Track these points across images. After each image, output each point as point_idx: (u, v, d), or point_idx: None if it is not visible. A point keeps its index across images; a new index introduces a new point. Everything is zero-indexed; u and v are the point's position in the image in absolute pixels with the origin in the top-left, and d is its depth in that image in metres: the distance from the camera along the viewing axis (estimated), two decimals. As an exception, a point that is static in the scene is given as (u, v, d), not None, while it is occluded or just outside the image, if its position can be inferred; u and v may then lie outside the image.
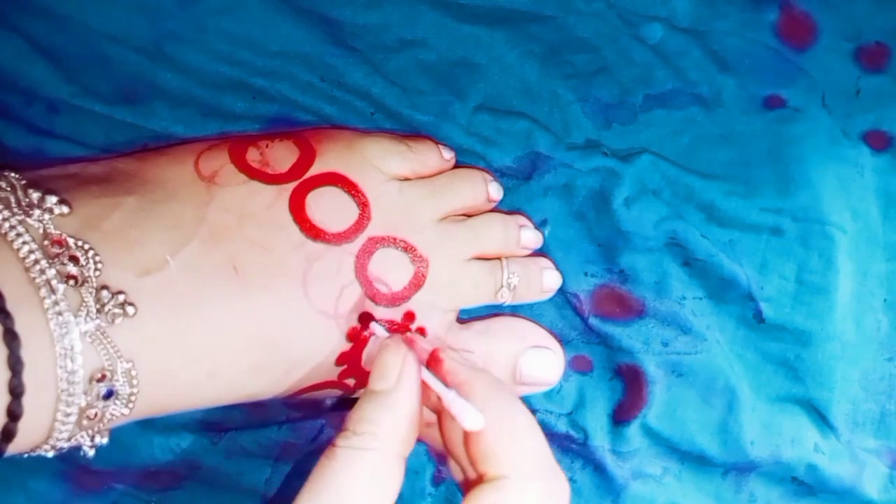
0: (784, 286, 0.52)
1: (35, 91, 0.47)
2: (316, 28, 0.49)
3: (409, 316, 0.44)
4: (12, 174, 0.38)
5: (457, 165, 0.50)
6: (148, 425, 0.47)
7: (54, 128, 0.47)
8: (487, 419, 0.37)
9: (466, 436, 0.37)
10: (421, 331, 0.44)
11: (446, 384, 0.39)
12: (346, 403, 0.49)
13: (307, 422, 0.50)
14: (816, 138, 0.52)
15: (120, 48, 0.47)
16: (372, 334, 0.43)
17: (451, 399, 0.37)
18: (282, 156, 0.44)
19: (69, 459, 0.46)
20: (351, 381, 0.44)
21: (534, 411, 0.51)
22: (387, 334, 0.42)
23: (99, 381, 0.35)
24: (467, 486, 0.39)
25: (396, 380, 0.38)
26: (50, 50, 0.47)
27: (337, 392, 0.45)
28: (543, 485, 0.36)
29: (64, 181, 0.40)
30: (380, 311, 0.43)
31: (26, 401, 0.34)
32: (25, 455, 0.37)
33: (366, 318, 0.43)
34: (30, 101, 0.47)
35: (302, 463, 0.49)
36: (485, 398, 0.37)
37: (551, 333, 0.50)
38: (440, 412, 0.41)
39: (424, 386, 0.39)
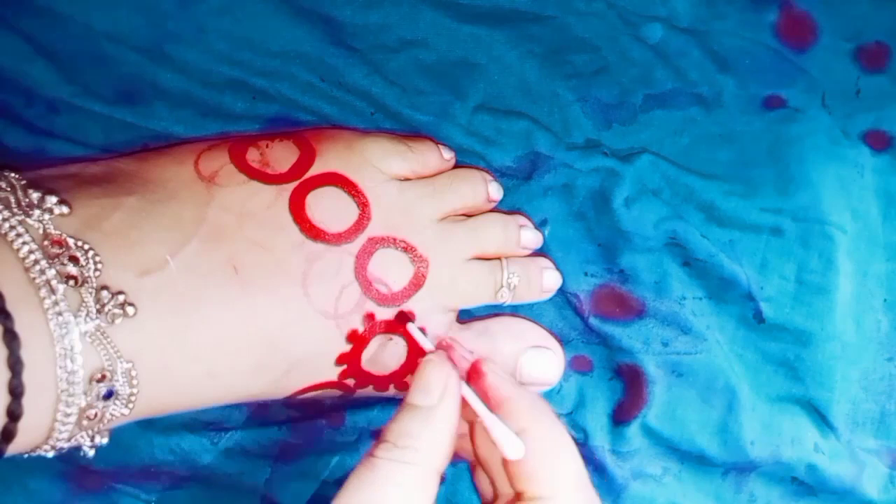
0: (784, 286, 0.52)
1: (35, 91, 0.47)
2: (316, 28, 0.49)
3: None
4: (12, 174, 0.38)
5: (457, 165, 0.50)
6: (148, 425, 0.47)
7: (54, 128, 0.47)
8: (530, 440, 0.37)
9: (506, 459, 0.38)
10: (421, 330, 0.44)
11: (487, 400, 0.39)
12: (346, 403, 0.49)
13: (307, 422, 0.50)
14: (816, 138, 0.52)
15: (120, 48, 0.47)
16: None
17: (492, 424, 0.38)
18: (282, 156, 0.44)
19: (69, 459, 0.46)
20: (351, 382, 0.44)
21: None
22: (420, 335, 0.43)
23: (99, 381, 0.35)
24: (496, 499, 0.41)
25: (439, 398, 0.38)
26: (50, 50, 0.47)
27: (337, 392, 0.45)
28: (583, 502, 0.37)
29: (64, 181, 0.40)
30: (380, 312, 0.43)
31: (26, 401, 0.34)
32: (25, 455, 0.37)
33: (403, 318, 0.44)
34: (30, 101, 0.47)
35: (302, 464, 0.49)
36: (528, 418, 0.38)
37: (551, 333, 0.50)
38: (473, 423, 0.41)
39: (464, 400, 0.39)
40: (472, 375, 0.41)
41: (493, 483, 0.42)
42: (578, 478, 0.38)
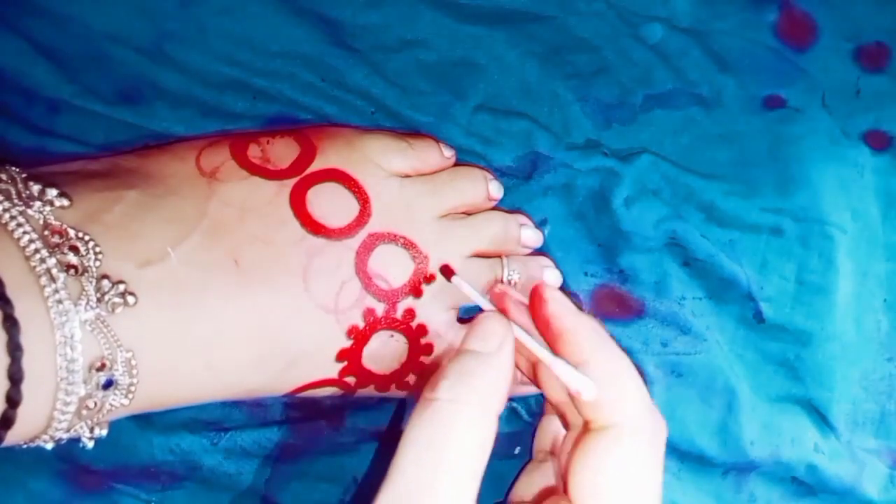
0: (784, 286, 0.52)
1: (36, 91, 0.47)
2: (316, 28, 0.49)
3: (409, 313, 0.44)
4: (13, 168, 0.38)
5: (457, 164, 0.49)
6: (148, 425, 0.47)
7: (55, 127, 0.47)
8: (594, 370, 0.38)
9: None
10: (422, 328, 0.44)
11: (546, 328, 0.40)
12: (347, 404, 0.49)
13: (307, 422, 0.49)
14: (816, 138, 0.52)
15: (121, 48, 0.47)
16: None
17: (561, 370, 0.39)
18: (283, 152, 0.44)
19: (69, 459, 0.46)
20: (351, 380, 0.44)
21: (534, 412, 0.51)
22: (467, 286, 0.43)
23: (98, 370, 0.35)
24: (568, 429, 0.41)
25: (499, 345, 0.39)
26: (51, 50, 0.47)
27: (337, 391, 0.45)
28: (650, 429, 0.38)
29: (65, 176, 0.40)
30: (379, 308, 0.43)
31: (25, 388, 0.33)
32: (24, 445, 0.37)
33: (447, 271, 0.44)
34: (31, 101, 0.47)
35: (302, 464, 0.49)
36: (590, 349, 0.39)
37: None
38: (536, 364, 0.42)
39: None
40: (533, 301, 0.41)
41: (563, 416, 0.42)
42: (644, 404, 0.38)
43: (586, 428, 0.39)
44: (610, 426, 0.37)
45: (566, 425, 0.43)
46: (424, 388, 0.37)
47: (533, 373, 0.43)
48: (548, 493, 0.43)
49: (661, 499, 0.38)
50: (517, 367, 0.44)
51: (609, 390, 0.38)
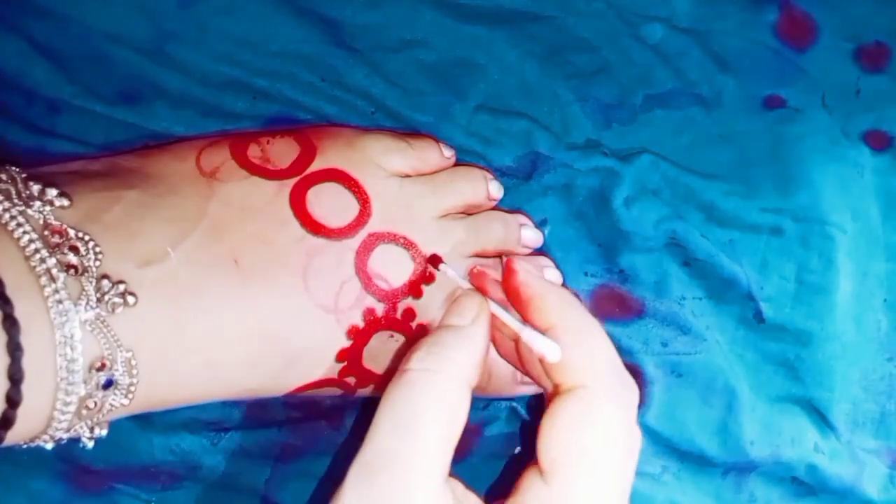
0: (784, 286, 0.52)
1: (36, 91, 0.47)
2: (316, 28, 0.49)
3: (409, 313, 0.44)
4: (13, 168, 0.38)
5: (457, 164, 0.50)
6: (148, 425, 0.47)
7: (55, 127, 0.47)
8: (561, 333, 0.38)
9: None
10: (422, 328, 0.44)
11: (518, 298, 0.40)
12: (347, 405, 0.49)
13: (307, 422, 0.49)
14: (816, 138, 0.52)
15: (121, 48, 0.47)
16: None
17: (527, 334, 0.39)
18: (283, 152, 0.44)
19: (69, 459, 0.46)
20: (351, 380, 0.44)
21: (534, 411, 0.51)
22: (453, 272, 0.43)
23: (98, 370, 0.35)
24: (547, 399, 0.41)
25: (473, 319, 0.40)
26: (51, 50, 0.47)
27: (337, 391, 0.45)
28: (618, 392, 0.38)
29: (65, 176, 0.40)
30: (379, 308, 0.43)
31: (25, 388, 0.33)
32: (24, 445, 0.37)
33: (435, 259, 0.44)
34: (31, 101, 0.47)
35: (302, 465, 0.49)
36: (557, 313, 0.39)
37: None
38: (517, 341, 0.41)
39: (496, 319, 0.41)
40: (505, 274, 0.41)
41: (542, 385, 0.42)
42: (611, 364, 0.38)
43: (555, 392, 0.38)
44: (576, 387, 0.37)
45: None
46: (402, 362, 0.38)
47: (518, 357, 0.43)
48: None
49: (634, 463, 0.38)
50: (516, 364, 0.44)
51: (575, 352, 0.38)
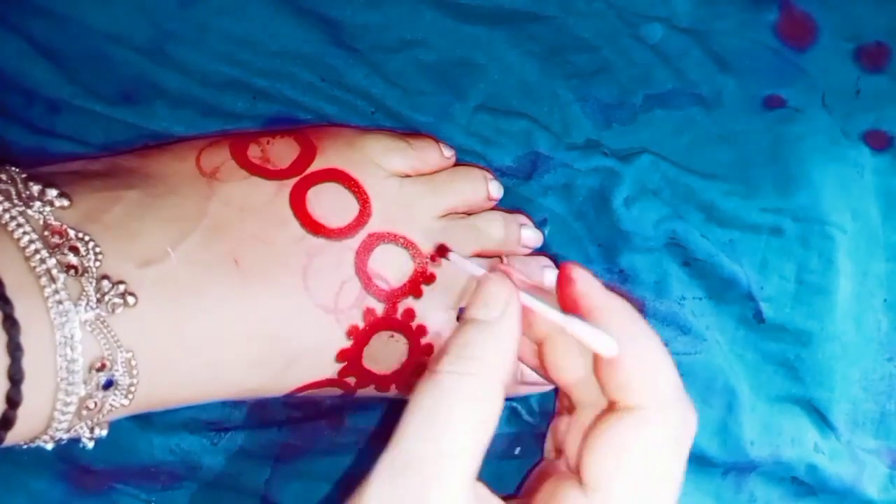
0: (784, 286, 0.52)
1: (36, 91, 0.47)
2: (316, 28, 0.49)
3: (409, 313, 0.44)
4: (13, 168, 0.38)
5: (457, 164, 0.49)
6: (148, 425, 0.47)
7: (55, 128, 0.47)
8: (627, 347, 0.37)
9: (598, 364, 0.38)
10: (422, 328, 0.44)
11: (576, 310, 0.39)
12: (347, 405, 0.49)
13: (307, 423, 0.49)
14: (816, 138, 0.52)
15: (120, 48, 0.47)
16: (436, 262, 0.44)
17: (576, 325, 0.37)
18: (283, 152, 0.44)
19: (69, 459, 0.46)
20: (351, 380, 0.44)
21: (535, 412, 0.51)
22: (465, 261, 0.43)
23: (99, 370, 0.35)
24: (572, 411, 0.41)
25: (502, 312, 0.38)
26: (51, 50, 0.47)
27: (337, 391, 0.45)
28: (679, 417, 0.37)
29: (65, 177, 0.40)
30: (379, 308, 0.43)
31: (25, 388, 0.33)
32: (24, 446, 0.37)
33: (443, 250, 0.44)
34: (31, 101, 0.47)
35: (302, 465, 0.49)
36: (623, 326, 0.38)
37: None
38: (542, 342, 0.41)
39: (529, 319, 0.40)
40: (562, 283, 0.40)
41: (569, 395, 0.41)
42: (676, 389, 0.37)
43: (610, 408, 0.38)
44: (636, 408, 0.37)
45: (572, 408, 0.42)
46: (430, 361, 0.37)
47: (538, 357, 0.42)
48: (544, 476, 0.42)
49: (679, 493, 0.37)
50: (521, 359, 0.44)
51: (637, 370, 0.37)
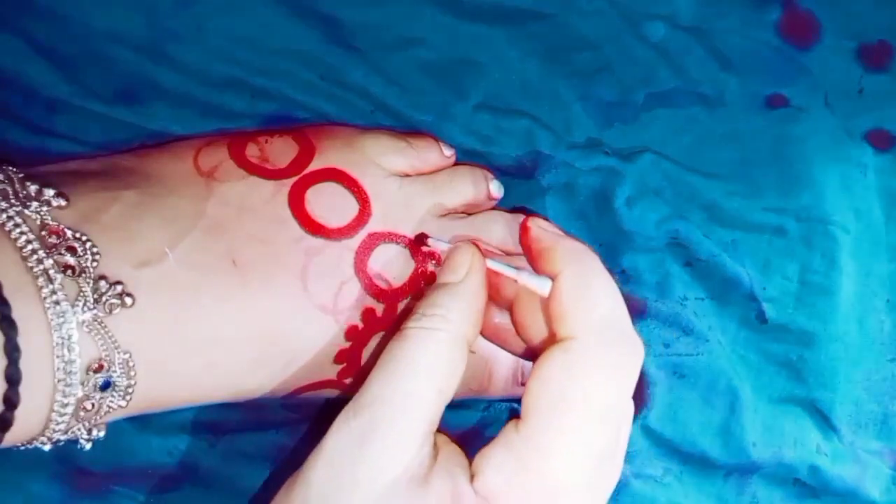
0: (787, 286, 0.52)
1: (34, 90, 0.47)
2: (315, 26, 0.49)
3: (409, 313, 0.44)
4: (10, 168, 0.38)
5: (457, 163, 0.49)
6: (145, 427, 0.47)
7: (53, 127, 0.47)
8: (561, 281, 0.37)
9: (545, 305, 0.38)
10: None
11: (532, 258, 0.40)
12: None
13: (306, 424, 0.49)
14: (819, 137, 0.52)
15: (119, 48, 0.47)
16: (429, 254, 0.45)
17: (517, 274, 0.39)
18: (281, 151, 0.44)
19: (67, 461, 0.46)
20: (351, 381, 0.44)
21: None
22: (446, 245, 0.43)
23: (96, 371, 0.35)
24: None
25: (466, 273, 0.40)
26: (49, 49, 0.47)
27: (336, 393, 0.45)
28: (614, 347, 0.36)
29: (62, 176, 0.40)
30: (379, 308, 0.43)
31: (23, 389, 0.33)
32: (22, 447, 0.37)
33: (421, 238, 0.44)
34: (29, 100, 0.47)
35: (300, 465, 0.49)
36: (563, 261, 0.38)
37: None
38: (510, 304, 0.41)
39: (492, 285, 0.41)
40: (521, 233, 0.41)
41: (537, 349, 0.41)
42: (608, 319, 0.37)
43: (551, 340, 0.38)
44: (567, 338, 0.36)
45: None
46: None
47: (514, 325, 0.42)
48: None
49: (615, 430, 0.36)
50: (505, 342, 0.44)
51: (573, 302, 0.37)
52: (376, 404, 0.35)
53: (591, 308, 0.37)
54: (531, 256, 0.40)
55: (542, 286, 0.38)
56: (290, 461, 0.49)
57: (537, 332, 0.40)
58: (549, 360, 0.36)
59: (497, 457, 0.36)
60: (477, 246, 0.42)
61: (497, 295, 0.42)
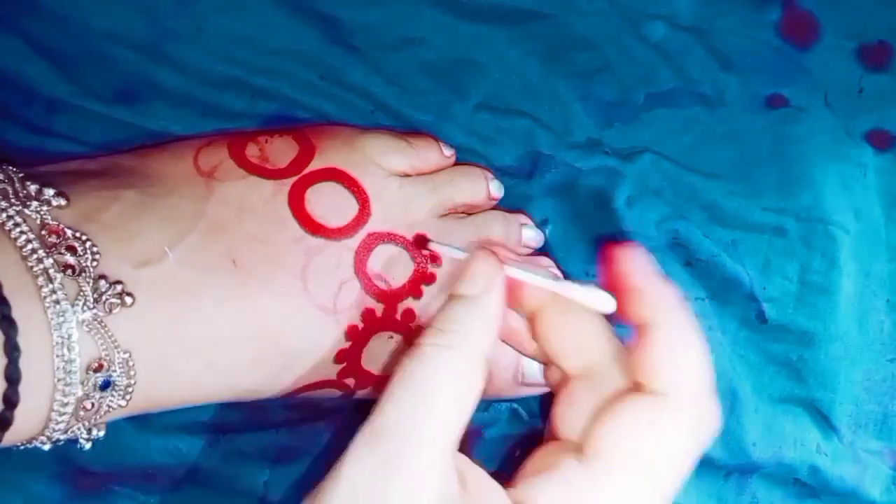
0: (787, 286, 0.51)
1: (34, 90, 0.47)
2: (315, 26, 0.49)
3: (409, 314, 0.44)
4: (10, 167, 0.38)
5: (457, 163, 0.49)
6: (145, 427, 0.47)
7: (53, 127, 0.47)
8: (657, 330, 0.37)
9: (637, 346, 0.38)
10: (421, 330, 0.44)
11: (621, 286, 0.39)
12: (347, 406, 0.49)
13: (306, 424, 0.49)
14: (819, 137, 0.52)
15: (119, 47, 0.47)
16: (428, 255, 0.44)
17: (574, 291, 0.38)
18: (281, 151, 0.44)
19: (67, 461, 0.46)
20: (350, 381, 0.44)
21: (535, 414, 0.51)
22: (449, 248, 0.43)
23: (96, 370, 0.35)
24: (563, 383, 0.40)
25: (485, 287, 0.38)
26: (49, 49, 0.47)
27: (336, 393, 0.45)
28: (701, 412, 0.37)
29: (62, 176, 0.40)
30: (379, 308, 0.43)
31: (23, 389, 0.33)
32: (21, 446, 0.37)
33: (421, 240, 0.44)
34: (29, 100, 0.47)
35: (300, 467, 0.49)
36: (660, 311, 0.38)
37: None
38: (534, 316, 0.41)
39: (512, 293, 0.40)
40: (608, 261, 0.40)
41: (561, 367, 0.41)
42: (704, 385, 0.37)
43: (633, 389, 0.38)
44: (661, 393, 0.36)
45: (563, 383, 0.41)
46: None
47: (532, 333, 0.42)
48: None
49: (677, 490, 0.37)
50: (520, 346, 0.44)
51: (671, 358, 0.37)
52: (397, 431, 0.35)
53: (692, 371, 0.37)
54: (616, 289, 0.39)
55: (603, 302, 0.37)
56: (291, 462, 0.49)
57: (565, 349, 0.40)
58: (636, 411, 0.36)
59: (555, 492, 0.36)
60: (495, 252, 0.41)
61: (517, 304, 0.41)
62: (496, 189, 0.49)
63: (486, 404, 0.50)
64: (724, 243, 0.51)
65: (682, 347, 0.37)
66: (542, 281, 0.39)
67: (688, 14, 0.51)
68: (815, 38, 0.52)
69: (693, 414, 0.37)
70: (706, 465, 0.51)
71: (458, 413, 0.36)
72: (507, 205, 0.50)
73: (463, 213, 0.47)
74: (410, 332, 0.44)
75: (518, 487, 0.37)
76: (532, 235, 0.49)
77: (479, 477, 0.37)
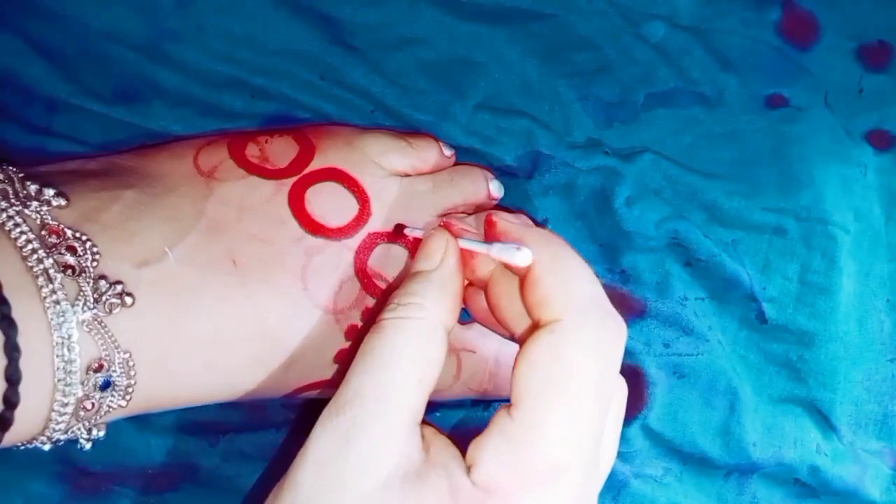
0: (787, 286, 0.51)
1: (34, 90, 0.47)
2: (315, 26, 0.49)
3: (410, 313, 0.44)
4: (10, 167, 0.38)
5: (457, 163, 0.49)
6: (145, 427, 0.47)
7: (53, 127, 0.47)
8: (539, 265, 0.37)
9: (523, 288, 0.38)
10: None
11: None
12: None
13: (306, 424, 0.49)
14: (819, 137, 0.52)
15: (118, 47, 0.47)
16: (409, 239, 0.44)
17: (496, 249, 0.38)
18: (281, 151, 0.44)
19: (67, 461, 0.46)
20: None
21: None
22: (423, 233, 0.43)
23: (96, 371, 0.35)
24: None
25: (440, 260, 0.39)
26: (48, 49, 0.46)
27: (336, 393, 0.45)
28: (598, 325, 0.36)
29: (62, 176, 0.40)
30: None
31: (23, 389, 0.33)
32: (21, 447, 0.37)
33: (399, 229, 0.44)
34: (28, 100, 0.47)
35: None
36: (537, 245, 0.38)
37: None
38: (486, 285, 0.41)
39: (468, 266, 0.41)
40: (486, 228, 0.40)
41: (514, 335, 0.41)
42: (590, 297, 0.37)
43: (534, 327, 0.37)
44: (552, 321, 0.36)
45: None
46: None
47: (490, 308, 0.42)
48: None
49: (606, 407, 0.36)
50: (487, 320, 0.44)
51: (551, 284, 0.36)
52: (357, 400, 0.35)
53: (572, 289, 0.37)
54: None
55: (520, 257, 0.37)
56: (280, 461, 0.49)
57: (514, 313, 0.40)
58: (537, 344, 0.36)
59: (492, 445, 0.36)
60: (450, 228, 0.41)
61: (473, 275, 0.41)
62: (496, 189, 0.49)
63: (485, 404, 0.50)
64: (724, 243, 0.51)
65: (561, 271, 0.37)
66: (477, 245, 0.40)
67: (688, 14, 0.51)
68: (815, 38, 0.52)
69: (589, 328, 0.36)
70: (706, 466, 0.51)
71: (418, 380, 0.36)
72: (507, 205, 0.50)
73: (463, 212, 0.47)
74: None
75: (468, 451, 0.37)
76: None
77: (444, 445, 0.37)
